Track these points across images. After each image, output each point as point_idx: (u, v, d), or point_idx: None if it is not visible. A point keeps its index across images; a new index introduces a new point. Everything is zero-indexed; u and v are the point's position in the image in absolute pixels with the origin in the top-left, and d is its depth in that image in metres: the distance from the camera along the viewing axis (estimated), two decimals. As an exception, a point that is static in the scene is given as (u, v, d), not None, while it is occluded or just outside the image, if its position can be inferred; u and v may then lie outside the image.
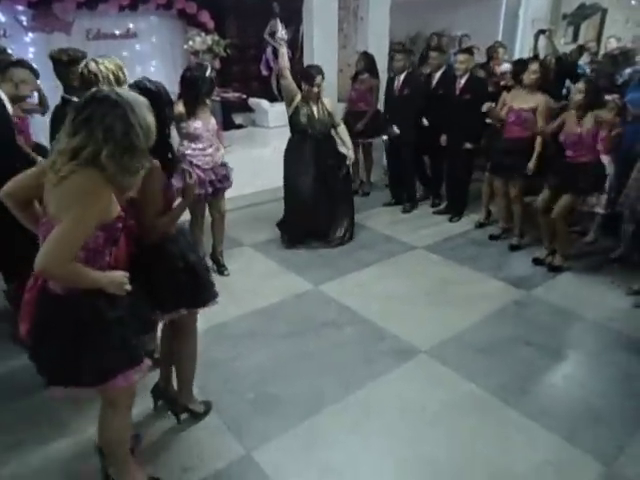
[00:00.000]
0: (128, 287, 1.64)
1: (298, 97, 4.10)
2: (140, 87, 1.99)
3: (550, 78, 4.21)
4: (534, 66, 4.06)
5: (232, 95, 7.98)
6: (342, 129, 4.32)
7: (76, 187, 1.49)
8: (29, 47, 7.01)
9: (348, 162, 4.30)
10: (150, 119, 1.58)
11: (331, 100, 4.29)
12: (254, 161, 6.34)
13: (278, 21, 4.02)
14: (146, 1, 7.87)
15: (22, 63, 3.06)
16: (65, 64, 2.76)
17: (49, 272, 1.52)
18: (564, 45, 8.45)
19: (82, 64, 2.45)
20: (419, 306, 3.48)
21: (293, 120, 4.16)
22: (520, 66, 4.40)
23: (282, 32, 3.95)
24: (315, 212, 4.29)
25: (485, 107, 4.24)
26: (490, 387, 2.65)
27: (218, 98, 7.57)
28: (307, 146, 4.17)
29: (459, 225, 4.90)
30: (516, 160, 4.08)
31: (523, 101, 4.07)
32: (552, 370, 2.89)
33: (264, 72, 10.49)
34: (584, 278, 3.86)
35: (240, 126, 9.06)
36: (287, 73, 4.06)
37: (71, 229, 1.48)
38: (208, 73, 3.40)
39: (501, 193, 4.38)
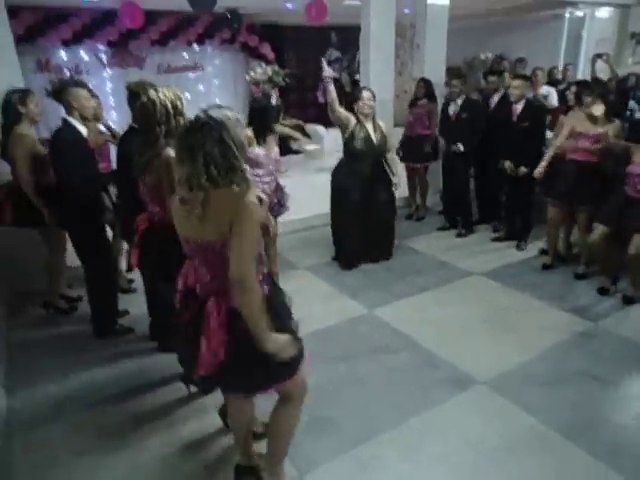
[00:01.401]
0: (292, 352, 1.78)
1: (353, 121, 4.16)
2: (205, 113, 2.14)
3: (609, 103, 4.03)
4: (588, 99, 3.88)
5: (289, 122, 8.26)
6: (392, 156, 4.38)
7: (232, 207, 1.61)
8: (107, 82, 7.65)
9: (394, 189, 4.36)
10: (242, 134, 1.66)
11: (387, 124, 4.34)
12: (310, 185, 6.47)
13: (324, 61, 4.11)
14: (212, 36, 8.39)
15: (76, 83, 3.26)
16: (138, 95, 2.95)
17: (246, 281, 1.63)
18: (632, 65, 8.10)
19: None
20: (476, 334, 3.38)
21: (349, 145, 4.20)
22: (583, 88, 4.27)
23: (329, 70, 4.06)
24: (360, 232, 4.36)
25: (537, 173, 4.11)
26: (553, 423, 2.52)
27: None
28: (362, 168, 4.20)
29: (519, 252, 4.74)
30: (580, 185, 3.89)
31: (587, 125, 3.90)
32: (621, 408, 2.71)
33: (320, 99, 10.77)
34: (658, 310, 3.62)
35: (297, 152, 9.31)
36: (336, 106, 4.13)
37: (248, 241, 1.63)
38: (274, 102, 3.57)
39: (559, 220, 4.18)
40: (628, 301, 3.71)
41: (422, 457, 2.35)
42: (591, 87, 4.06)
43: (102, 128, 4.30)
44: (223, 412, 2.48)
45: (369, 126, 4.17)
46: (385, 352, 3.19)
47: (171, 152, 2.44)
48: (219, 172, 1.59)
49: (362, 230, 4.36)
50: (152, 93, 2.44)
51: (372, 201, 4.29)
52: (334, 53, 10.37)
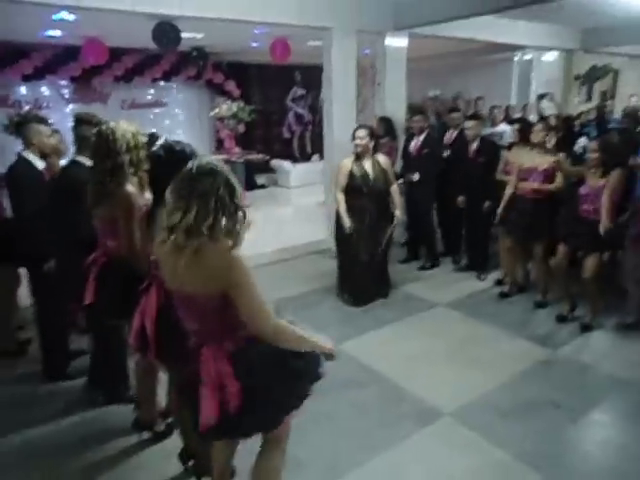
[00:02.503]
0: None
1: (348, 165, 4.15)
2: (165, 148, 2.14)
3: (555, 137, 4.30)
4: (538, 126, 4.15)
5: (255, 157, 8.33)
6: (395, 189, 4.30)
7: (223, 264, 1.57)
8: (69, 117, 7.52)
9: (395, 222, 4.29)
10: (237, 181, 1.66)
11: (386, 158, 4.34)
12: (275, 220, 6.49)
13: None
14: (177, 73, 8.47)
15: (37, 119, 3.19)
16: (89, 125, 2.80)
17: (274, 333, 1.63)
18: (578, 104, 8.65)
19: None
20: (441, 366, 3.40)
21: (348, 182, 4.15)
22: (525, 124, 4.52)
23: None
24: (362, 269, 4.29)
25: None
26: (518, 453, 2.53)
27: (242, 160, 7.93)
28: (362, 204, 4.16)
29: (480, 282, 4.85)
30: (535, 220, 4.02)
31: (534, 160, 4.04)
32: (584, 434, 2.76)
33: (286, 135, 10.96)
34: (616, 337, 3.74)
35: (262, 186, 9.39)
36: (342, 202, 4.15)
37: (254, 291, 1.59)
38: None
39: (512, 250, 4.30)
40: (585, 329, 3.82)
41: (389, 495, 2.30)
42: (535, 124, 4.30)
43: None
44: (183, 456, 2.37)
45: (367, 163, 4.15)
46: (351, 387, 3.15)
47: (131, 188, 2.41)
48: (224, 217, 1.56)
49: (365, 266, 4.29)
50: (111, 123, 2.42)
51: (372, 239, 4.24)
52: (299, 91, 10.66)
